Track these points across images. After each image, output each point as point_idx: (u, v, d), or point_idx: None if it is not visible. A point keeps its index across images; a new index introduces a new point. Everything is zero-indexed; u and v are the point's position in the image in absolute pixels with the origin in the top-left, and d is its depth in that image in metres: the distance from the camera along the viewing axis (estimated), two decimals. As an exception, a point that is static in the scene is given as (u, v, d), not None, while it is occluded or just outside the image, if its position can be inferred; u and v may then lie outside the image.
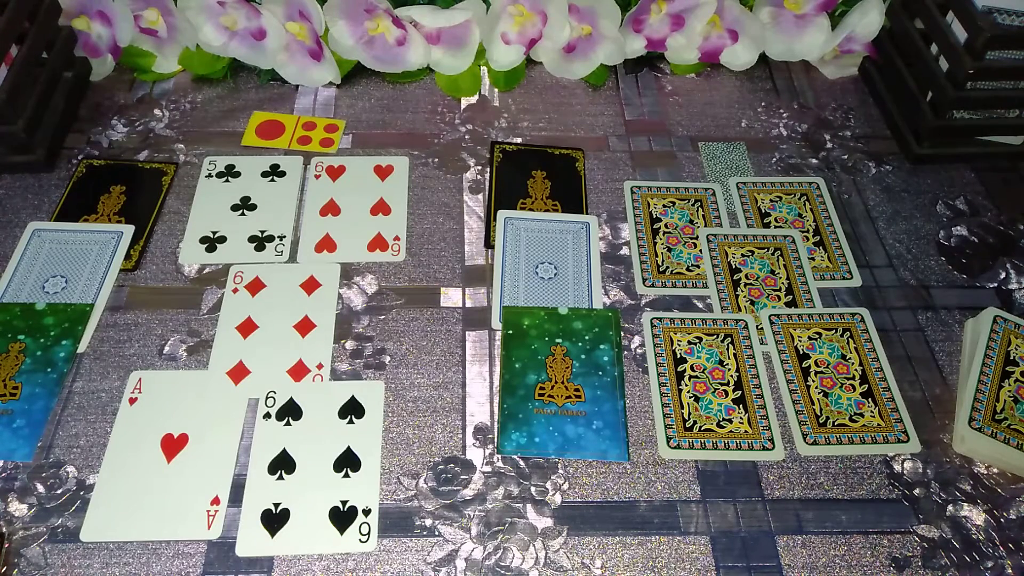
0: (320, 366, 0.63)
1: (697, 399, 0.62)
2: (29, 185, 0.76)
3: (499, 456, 0.59)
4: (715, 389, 0.63)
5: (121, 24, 0.84)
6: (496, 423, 0.61)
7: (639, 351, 0.66)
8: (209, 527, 0.55)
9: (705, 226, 0.75)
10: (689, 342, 0.66)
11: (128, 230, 0.72)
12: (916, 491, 0.58)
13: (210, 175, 0.77)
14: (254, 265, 0.70)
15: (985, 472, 0.60)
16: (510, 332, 0.66)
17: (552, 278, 0.70)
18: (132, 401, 0.61)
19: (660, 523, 0.56)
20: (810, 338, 0.66)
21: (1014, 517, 0.57)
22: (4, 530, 0.54)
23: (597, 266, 0.71)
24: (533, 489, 0.58)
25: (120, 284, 0.69)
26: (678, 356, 0.65)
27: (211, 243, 0.72)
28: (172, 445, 0.58)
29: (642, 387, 0.64)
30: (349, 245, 0.72)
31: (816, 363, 0.65)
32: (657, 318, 0.67)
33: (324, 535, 0.54)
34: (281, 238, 0.72)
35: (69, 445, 0.59)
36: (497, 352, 0.65)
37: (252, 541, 0.54)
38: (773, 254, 0.73)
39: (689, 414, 0.61)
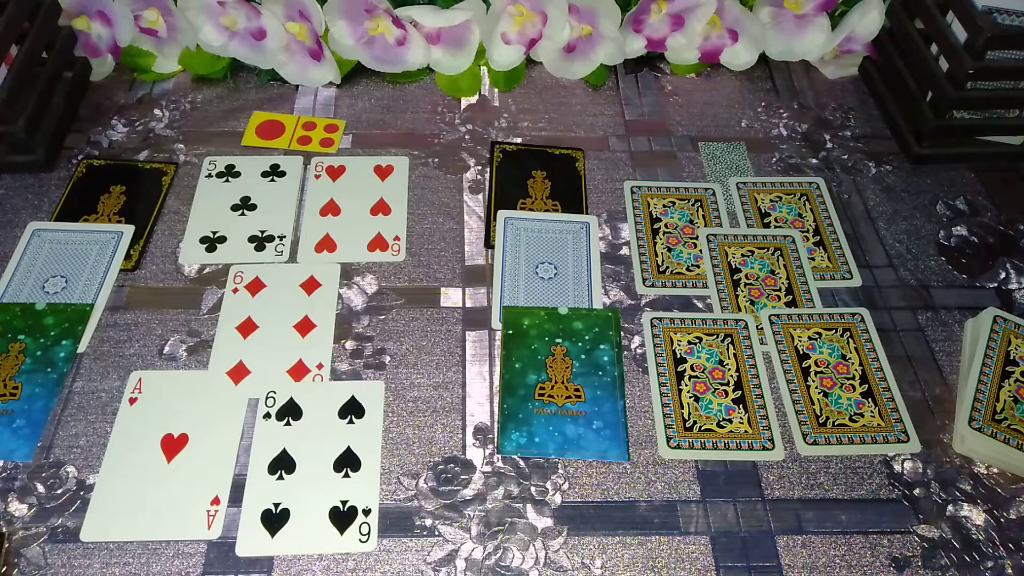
0: (320, 366, 0.63)
1: (697, 399, 0.62)
2: (29, 185, 0.76)
3: (499, 456, 0.59)
4: (715, 389, 0.63)
5: (121, 24, 0.84)
6: (496, 423, 0.61)
7: (639, 351, 0.66)
8: (209, 527, 0.55)
9: (705, 226, 0.75)
10: (689, 342, 0.66)
11: (128, 230, 0.72)
12: (916, 491, 0.58)
13: (210, 175, 0.77)
14: (254, 265, 0.70)
15: (985, 472, 0.60)
16: (510, 332, 0.66)
17: (552, 278, 0.70)
18: (132, 401, 0.61)
19: (660, 523, 0.56)
20: (810, 338, 0.66)
21: (1014, 517, 0.57)
22: (4, 530, 0.54)
23: (597, 266, 0.71)
24: (533, 489, 0.58)
25: (120, 284, 0.69)
26: (678, 356, 0.65)
27: (211, 243, 0.72)
28: (172, 445, 0.58)
29: (642, 387, 0.64)
30: (349, 245, 0.72)
31: (816, 363, 0.65)
32: (657, 318, 0.67)
33: (324, 535, 0.54)
34: (281, 238, 0.72)
35: (69, 445, 0.59)
36: (497, 352, 0.65)
37: (252, 541, 0.54)
38: (773, 254, 0.73)
39: (689, 414, 0.61)
